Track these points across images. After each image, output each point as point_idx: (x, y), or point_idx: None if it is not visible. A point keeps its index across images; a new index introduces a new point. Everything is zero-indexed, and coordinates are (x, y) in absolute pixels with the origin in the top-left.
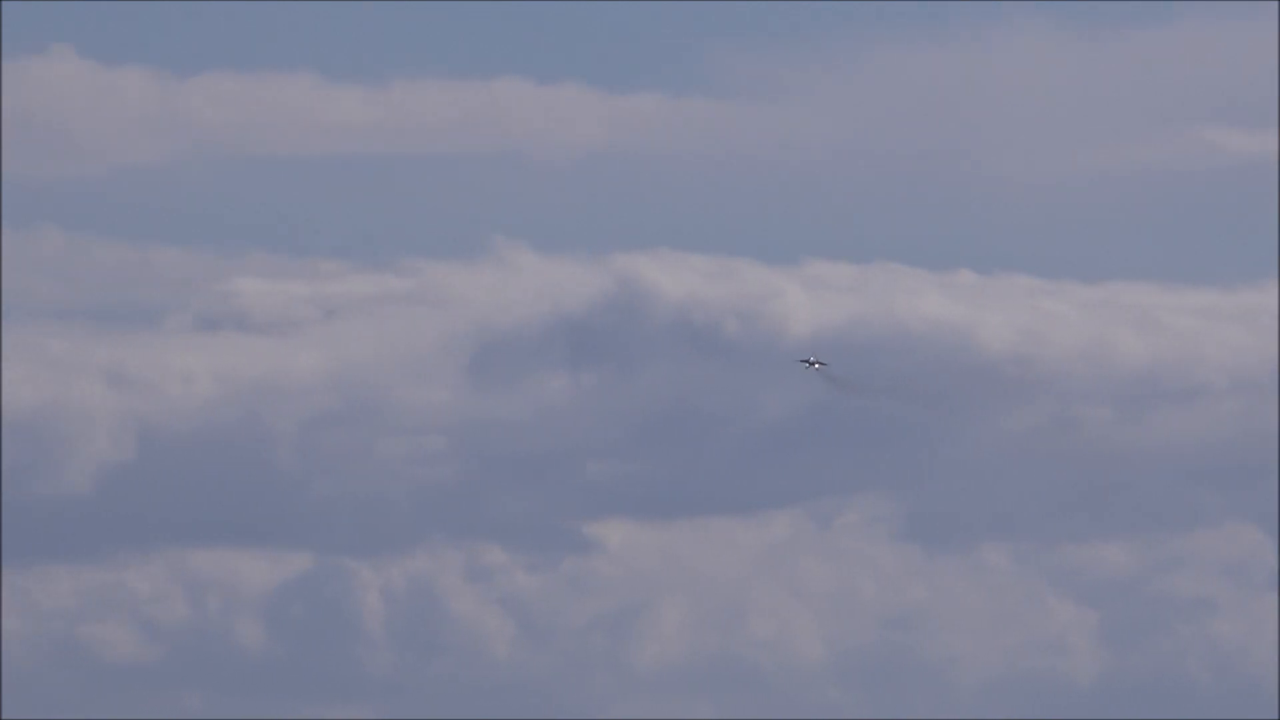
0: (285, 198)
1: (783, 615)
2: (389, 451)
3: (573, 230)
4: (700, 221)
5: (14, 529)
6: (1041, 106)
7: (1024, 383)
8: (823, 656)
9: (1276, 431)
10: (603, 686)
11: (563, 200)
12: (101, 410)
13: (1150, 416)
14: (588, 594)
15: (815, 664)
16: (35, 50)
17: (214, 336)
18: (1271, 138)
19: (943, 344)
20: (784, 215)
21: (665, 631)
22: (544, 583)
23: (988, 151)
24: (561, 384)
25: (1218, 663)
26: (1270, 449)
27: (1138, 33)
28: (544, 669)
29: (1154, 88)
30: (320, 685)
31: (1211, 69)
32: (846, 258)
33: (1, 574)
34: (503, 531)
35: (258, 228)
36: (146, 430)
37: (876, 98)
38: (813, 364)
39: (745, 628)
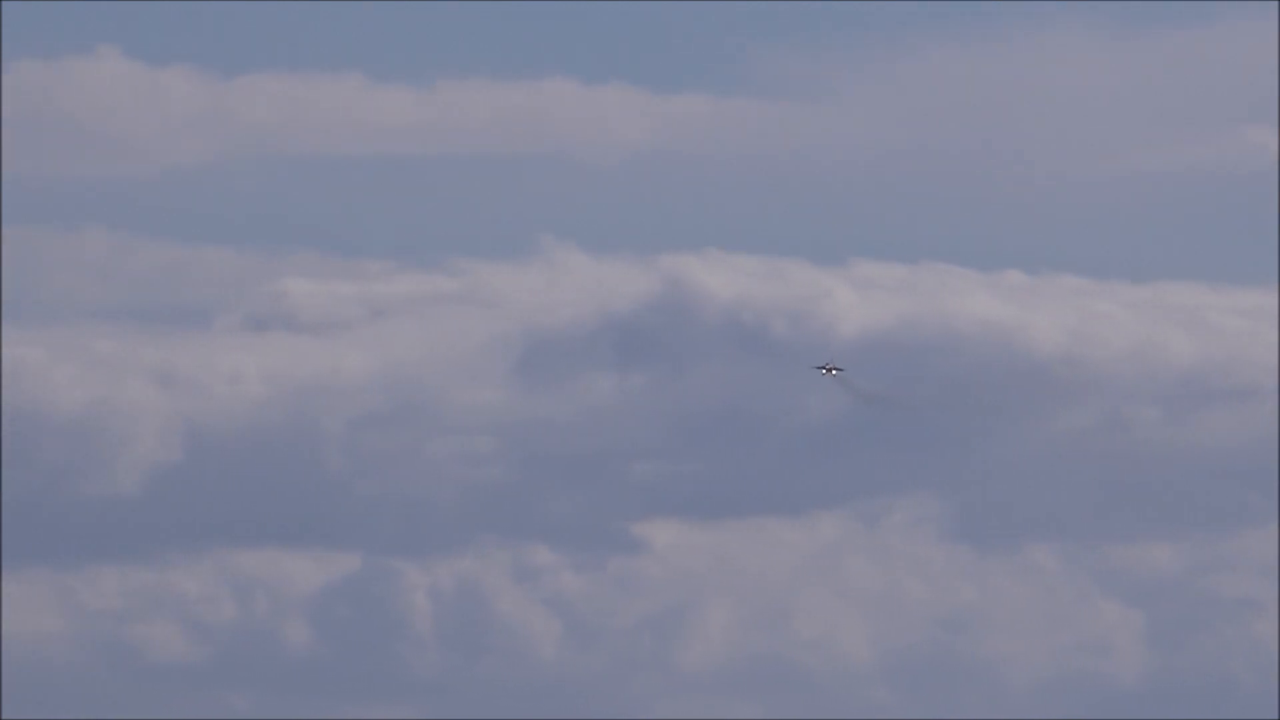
0: (332, 198)
1: (830, 616)
2: (437, 452)
3: (620, 231)
4: (748, 222)
5: (62, 529)
6: (1088, 106)
7: (1072, 383)
8: (870, 657)
9: None
10: (649, 687)
11: (610, 201)
12: (150, 411)
13: (1198, 416)
14: (634, 594)
15: (862, 664)
16: (82, 51)
17: (262, 337)
18: None
19: (991, 344)
20: (831, 215)
21: (711, 632)
22: (590, 583)
23: (1035, 151)
24: (609, 384)
25: (1263, 663)
26: None
27: (1181, 32)
28: (590, 669)
29: (1199, 87)
30: (367, 685)
31: (1255, 68)
32: (895, 258)
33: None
34: (550, 532)
35: (305, 228)
36: (195, 431)
37: (923, 98)
38: (830, 370)
39: (792, 628)
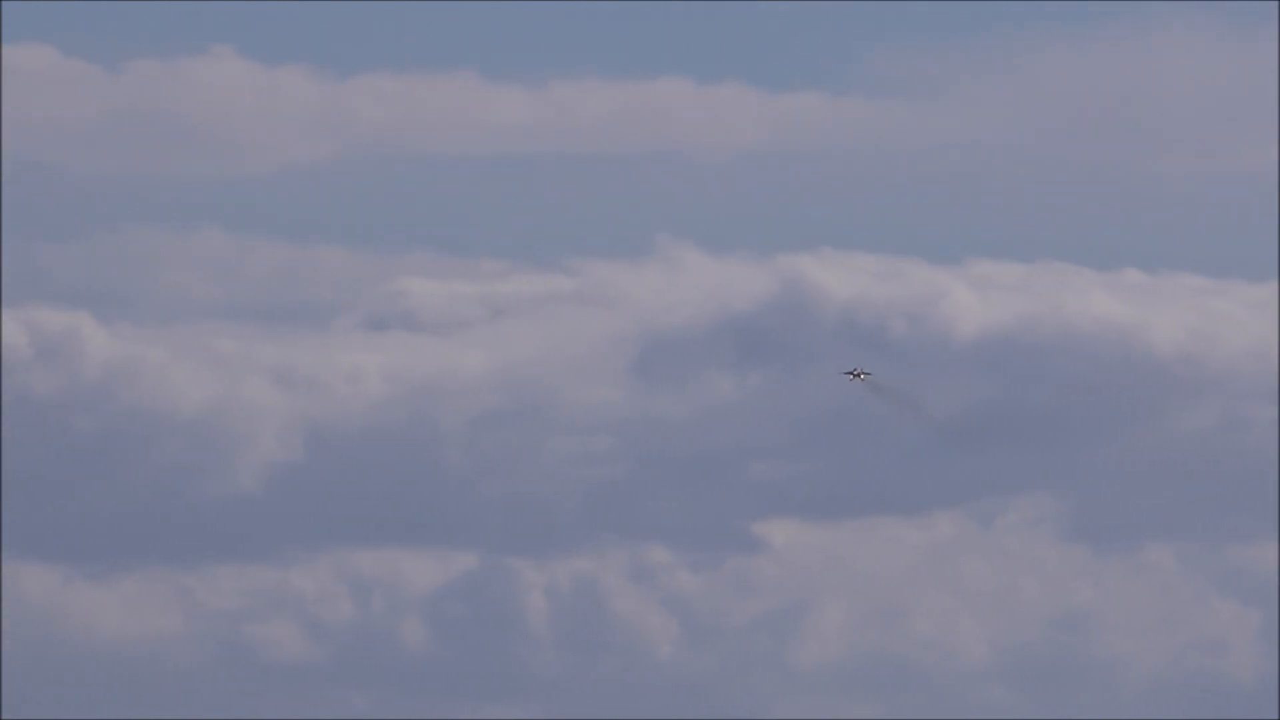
0: (447, 197)
1: (946, 615)
2: (555, 451)
3: (736, 230)
4: (864, 221)
5: (181, 529)
6: (1206, 105)
7: (1190, 382)
8: (985, 656)
9: None
10: (765, 686)
11: (725, 200)
12: (269, 410)
13: None
14: (751, 594)
15: (978, 664)
16: (196, 51)
17: (382, 336)
18: None
19: (1110, 344)
20: (948, 214)
21: (827, 631)
22: (707, 582)
23: (1153, 149)
24: (727, 384)
25: None
26: None
27: None
28: (706, 669)
29: None
30: (483, 685)
31: None
32: (1012, 257)
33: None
34: (667, 531)
35: (420, 227)
36: (314, 430)
37: (1038, 96)
38: (857, 375)
39: (908, 628)
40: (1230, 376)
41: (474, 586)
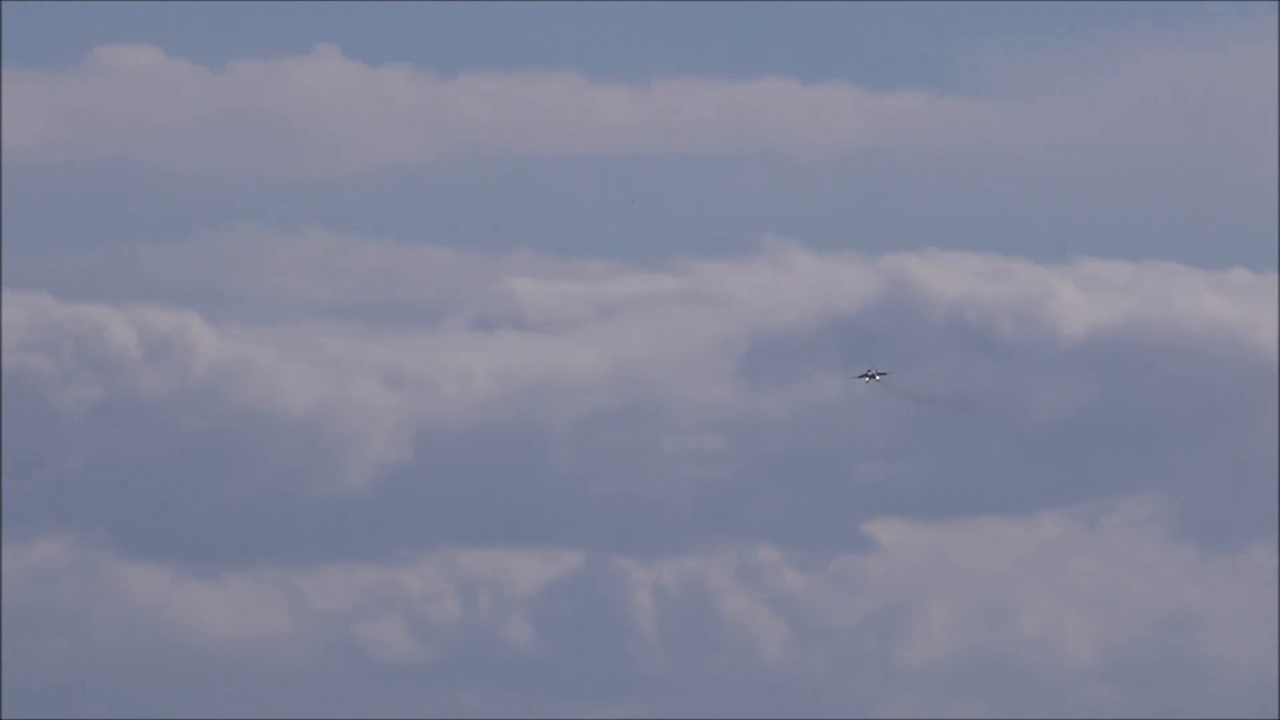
0: (550, 197)
1: (1052, 614)
2: (664, 450)
3: (841, 229)
4: (969, 220)
5: (290, 529)
6: None
7: None
8: (1091, 656)
9: None
10: (871, 685)
11: (830, 199)
12: (379, 410)
13: None
14: (858, 593)
15: (1084, 663)
16: (300, 51)
17: (490, 336)
18: None
19: (1218, 343)
20: (1054, 213)
21: (935, 631)
22: (814, 582)
23: (1261, 149)
24: (835, 383)
25: None
26: None
27: None
28: (813, 668)
29: None
30: (590, 684)
31: None
32: (1120, 256)
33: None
34: (775, 531)
35: (524, 227)
36: (423, 430)
37: (1144, 94)
38: (871, 376)
39: (1014, 627)
40: None
41: (581, 586)
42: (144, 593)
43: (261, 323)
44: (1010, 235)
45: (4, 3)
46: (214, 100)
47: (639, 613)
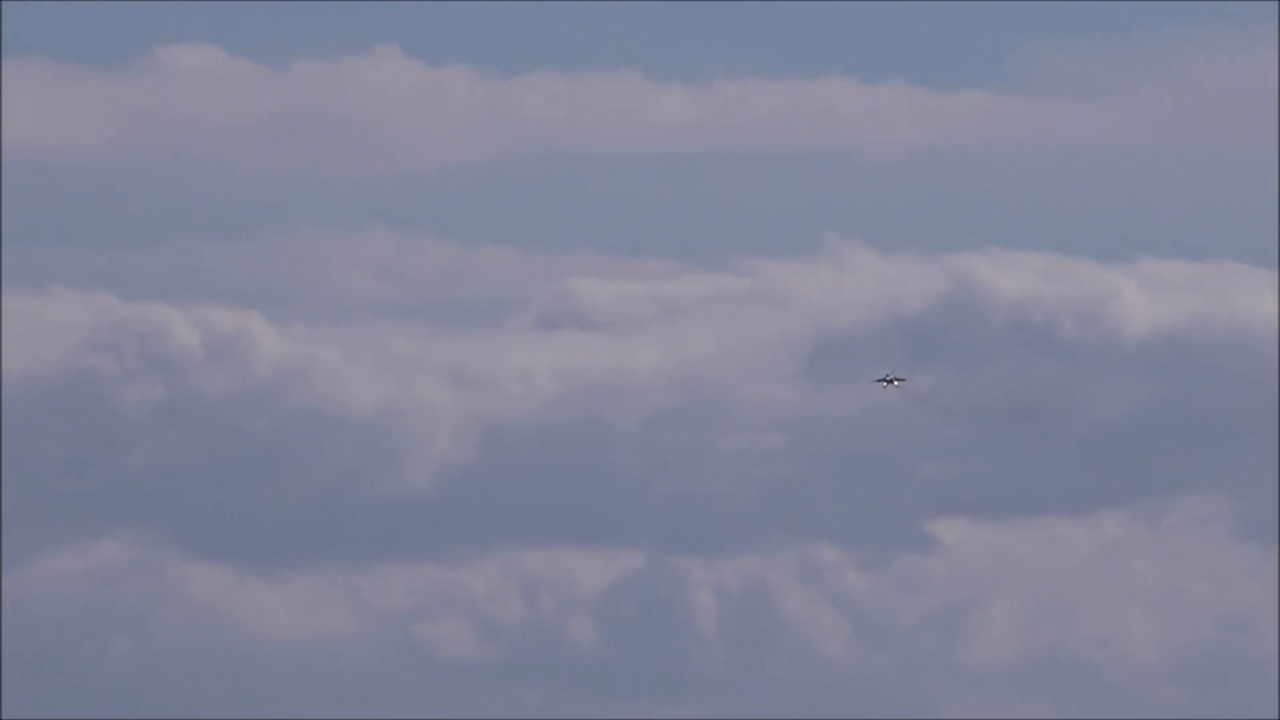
0: (611, 197)
1: (1115, 614)
2: (727, 450)
3: (903, 229)
4: (1031, 220)
5: (352, 529)
6: None
7: None
8: (1155, 656)
9: None
10: (934, 685)
11: (891, 199)
12: (442, 409)
13: None
14: (919, 593)
15: (1147, 663)
16: (361, 51)
17: (553, 335)
18: None
19: None
20: (1116, 213)
21: (998, 630)
22: (875, 581)
23: None
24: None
25: None
26: None
27: None
28: (876, 668)
29: None
30: (653, 684)
31: None
32: (1182, 256)
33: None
34: (837, 530)
35: (586, 227)
36: (486, 429)
37: (1206, 93)
38: (890, 381)
39: (1078, 627)
40: None
41: (643, 586)
42: (207, 592)
43: (324, 322)
44: (1072, 234)
45: (65, 3)
46: (275, 100)
47: (700, 613)
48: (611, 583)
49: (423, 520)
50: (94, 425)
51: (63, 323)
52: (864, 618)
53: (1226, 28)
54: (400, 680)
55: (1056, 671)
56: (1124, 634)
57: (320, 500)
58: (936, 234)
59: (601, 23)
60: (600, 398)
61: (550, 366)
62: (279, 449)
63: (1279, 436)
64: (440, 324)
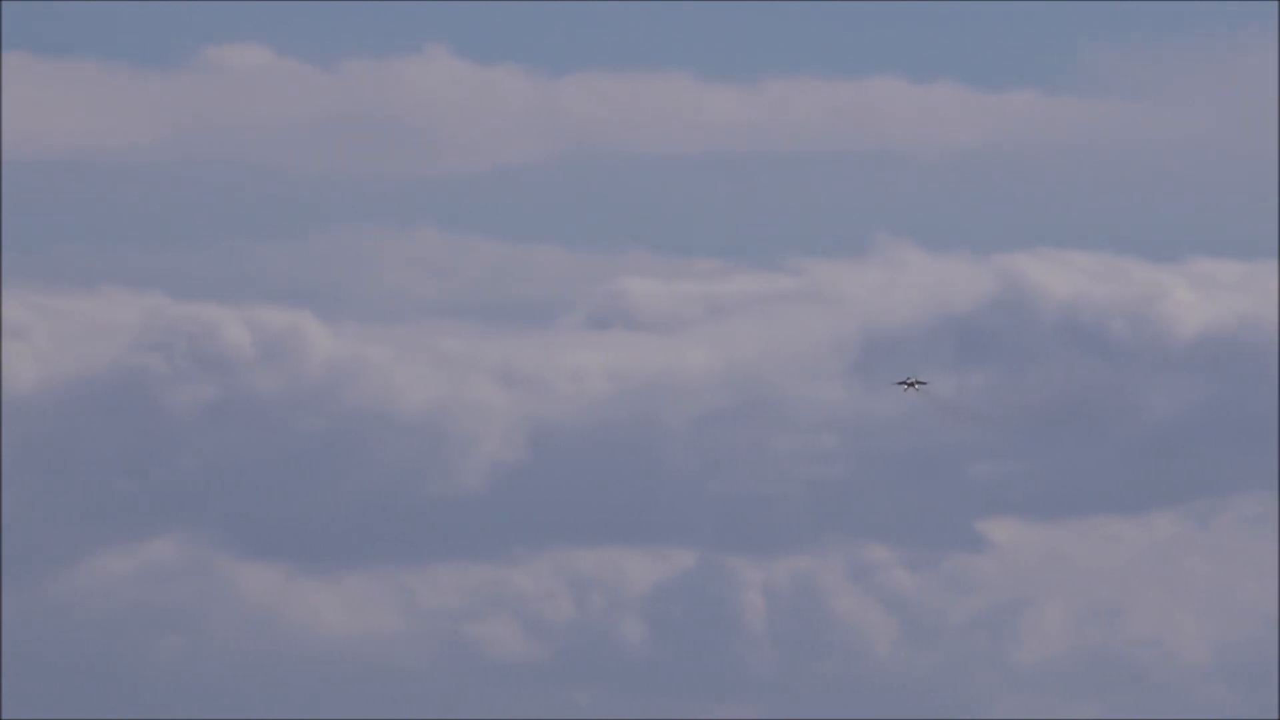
0: (661, 196)
1: (1166, 614)
2: (777, 449)
3: (953, 229)
4: (1081, 220)
5: (403, 528)
6: None
7: None
8: (1205, 655)
9: None
10: (985, 685)
11: (942, 199)
12: (493, 409)
13: None
14: (970, 592)
15: (1198, 663)
16: (410, 51)
17: (603, 335)
18: None
19: None
20: (1166, 212)
21: (1048, 630)
22: (927, 581)
23: None
24: (948, 383)
25: None
26: None
27: None
28: (926, 668)
29: None
30: (703, 684)
31: None
32: (1233, 255)
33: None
34: (887, 530)
35: (636, 227)
36: (537, 429)
37: (1256, 93)
38: (912, 384)
39: (1128, 626)
40: None
41: (693, 585)
42: (259, 592)
43: (375, 322)
44: (1122, 234)
45: (115, 3)
46: (324, 99)
47: (750, 612)
48: (662, 582)
49: (473, 520)
50: (145, 425)
51: (114, 323)
52: (914, 617)
53: (1275, 27)
54: (450, 680)
55: (1106, 671)
56: (1174, 633)
57: (371, 500)
58: (986, 234)
59: (651, 23)
60: (650, 397)
61: (601, 366)
62: (330, 449)
63: None
64: (491, 324)
